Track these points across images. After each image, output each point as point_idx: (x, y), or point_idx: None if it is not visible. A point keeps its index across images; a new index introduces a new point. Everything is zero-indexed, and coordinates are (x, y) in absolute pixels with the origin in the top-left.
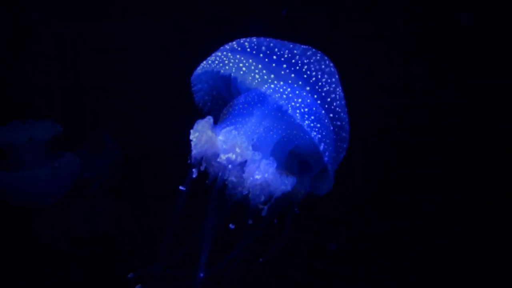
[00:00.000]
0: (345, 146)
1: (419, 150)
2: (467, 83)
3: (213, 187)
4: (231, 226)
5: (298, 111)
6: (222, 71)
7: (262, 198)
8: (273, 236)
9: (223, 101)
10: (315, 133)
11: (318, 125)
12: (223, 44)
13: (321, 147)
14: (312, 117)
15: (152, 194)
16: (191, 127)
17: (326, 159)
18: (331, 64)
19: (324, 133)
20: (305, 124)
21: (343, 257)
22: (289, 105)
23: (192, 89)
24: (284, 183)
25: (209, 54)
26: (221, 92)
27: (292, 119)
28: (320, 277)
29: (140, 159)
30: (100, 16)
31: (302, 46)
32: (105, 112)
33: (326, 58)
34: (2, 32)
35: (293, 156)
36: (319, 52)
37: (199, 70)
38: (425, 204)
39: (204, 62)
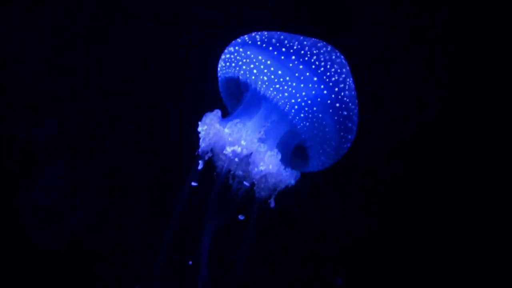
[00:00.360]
0: (350, 136)
1: (426, 150)
2: (480, 82)
3: (218, 181)
4: (241, 217)
5: (296, 106)
6: (240, 76)
7: (267, 191)
8: (273, 236)
9: (234, 96)
10: (304, 123)
11: (315, 116)
12: (224, 43)
13: (303, 136)
14: (308, 110)
15: (152, 194)
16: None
17: (308, 144)
18: (342, 56)
19: (319, 123)
20: (296, 118)
21: (343, 257)
22: (287, 104)
23: (221, 95)
24: (289, 176)
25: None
26: (232, 88)
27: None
28: (320, 276)
29: (140, 159)
30: (100, 16)
31: (313, 38)
32: (105, 112)
33: (336, 50)
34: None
35: (300, 151)
36: (330, 45)
37: (221, 75)
38: (428, 205)
39: (221, 62)
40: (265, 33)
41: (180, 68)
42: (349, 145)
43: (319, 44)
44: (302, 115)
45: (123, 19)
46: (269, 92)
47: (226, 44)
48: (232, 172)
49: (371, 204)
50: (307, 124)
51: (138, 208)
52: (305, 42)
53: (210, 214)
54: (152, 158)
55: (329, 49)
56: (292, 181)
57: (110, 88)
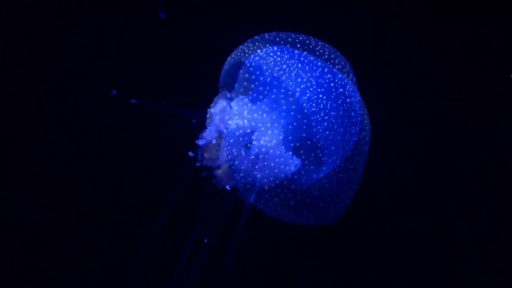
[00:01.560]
0: (357, 128)
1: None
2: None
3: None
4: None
5: (302, 85)
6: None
7: (267, 179)
8: (271, 233)
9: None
10: (311, 102)
11: (320, 97)
12: (223, 42)
13: (314, 117)
14: (313, 90)
15: (148, 195)
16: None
17: (314, 124)
18: (343, 56)
19: (326, 102)
20: (303, 98)
21: (342, 257)
22: (294, 83)
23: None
24: (289, 160)
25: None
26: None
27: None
28: (319, 276)
29: (138, 159)
30: (101, 16)
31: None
32: (105, 112)
33: (338, 52)
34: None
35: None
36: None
37: (226, 66)
38: (430, 206)
39: (228, 58)
40: (272, 33)
41: (180, 68)
42: (355, 139)
43: (321, 42)
44: (308, 95)
45: (123, 19)
46: (276, 72)
47: (226, 44)
48: (234, 166)
49: (369, 204)
50: (314, 105)
51: (134, 206)
52: (308, 38)
53: (208, 210)
54: (150, 159)
55: (332, 48)
56: (293, 168)
57: (108, 88)
